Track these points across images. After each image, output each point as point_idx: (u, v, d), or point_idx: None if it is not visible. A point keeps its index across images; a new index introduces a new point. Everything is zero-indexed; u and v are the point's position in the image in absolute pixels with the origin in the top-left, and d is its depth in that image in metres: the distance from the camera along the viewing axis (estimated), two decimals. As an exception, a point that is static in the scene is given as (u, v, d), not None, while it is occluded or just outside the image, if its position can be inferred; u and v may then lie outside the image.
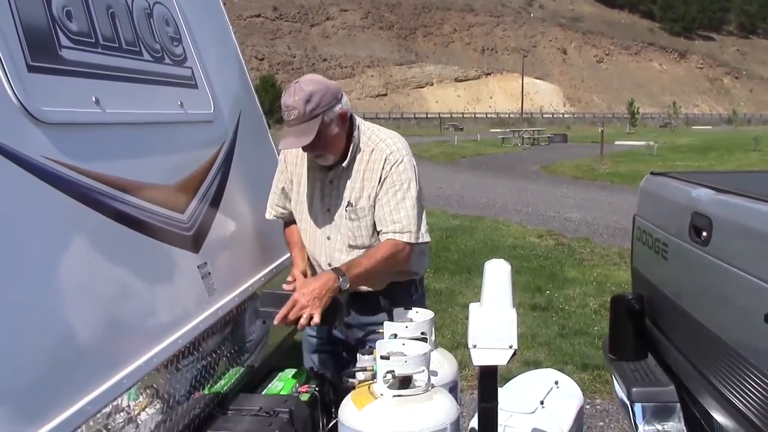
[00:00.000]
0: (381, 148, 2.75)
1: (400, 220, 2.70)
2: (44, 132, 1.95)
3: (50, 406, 1.72)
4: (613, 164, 23.86)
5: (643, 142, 34.44)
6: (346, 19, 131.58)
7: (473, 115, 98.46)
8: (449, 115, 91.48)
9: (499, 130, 51.57)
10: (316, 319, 2.50)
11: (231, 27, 3.81)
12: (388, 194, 2.71)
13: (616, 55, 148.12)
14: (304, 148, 2.67)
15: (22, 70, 1.92)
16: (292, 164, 2.91)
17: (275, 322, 2.50)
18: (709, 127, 79.02)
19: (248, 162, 3.32)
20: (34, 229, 1.85)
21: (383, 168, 2.72)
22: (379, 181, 2.72)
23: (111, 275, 2.12)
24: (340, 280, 2.56)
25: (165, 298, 2.40)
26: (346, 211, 2.77)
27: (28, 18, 1.99)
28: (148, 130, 2.58)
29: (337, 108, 2.64)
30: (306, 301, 2.49)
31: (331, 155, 2.71)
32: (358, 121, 2.81)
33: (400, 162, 2.73)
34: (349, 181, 2.76)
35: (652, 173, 3.20)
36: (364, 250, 2.76)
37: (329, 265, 2.80)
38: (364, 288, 2.77)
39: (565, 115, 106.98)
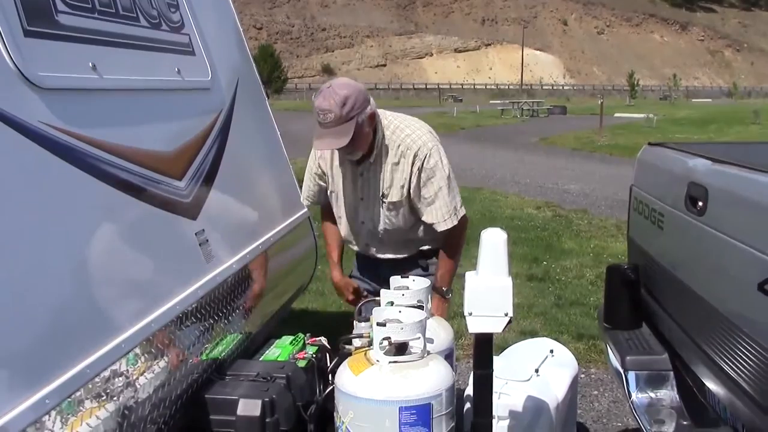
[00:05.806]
0: (407, 144, 2.91)
1: (440, 208, 2.94)
2: (41, 97, 1.94)
3: (49, 369, 1.74)
4: (612, 136, 23.77)
5: (642, 115, 34.27)
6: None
7: (473, 87, 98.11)
8: (448, 86, 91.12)
9: (499, 101, 51.23)
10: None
11: (229, -6, 3.78)
12: (426, 187, 2.93)
13: (617, 26, 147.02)
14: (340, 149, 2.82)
15: (18, 35, 1.92)
16: (322, 159, 3.09)
17: None
18: (710, 100, 78.63)
19: (246, 130, 3.32)
20: (31, 195, 1.85)
21: (413, 164, 2.90)
22: (411, 176, 2.91)
23: (108, 241, 2.13)
24: (448, 296, 3.01)
25: (163, 264, 2.41)
26: (380, 202, 2.98)
27: (23, -18, 1.98)
28: (145, 97, 2.57)
29: (368, 109, 2.80)
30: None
31: (360, 151, 2.87)
32: (381, 115, 2.94)
33: (429, 156, 2.90)
34: (379, 174, 2.95)
35: (649, 144, 3.19)
36: (399, 228, 3.02)
37: (366, 245, 3.12)
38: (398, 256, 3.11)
39: (565, 87, 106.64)
